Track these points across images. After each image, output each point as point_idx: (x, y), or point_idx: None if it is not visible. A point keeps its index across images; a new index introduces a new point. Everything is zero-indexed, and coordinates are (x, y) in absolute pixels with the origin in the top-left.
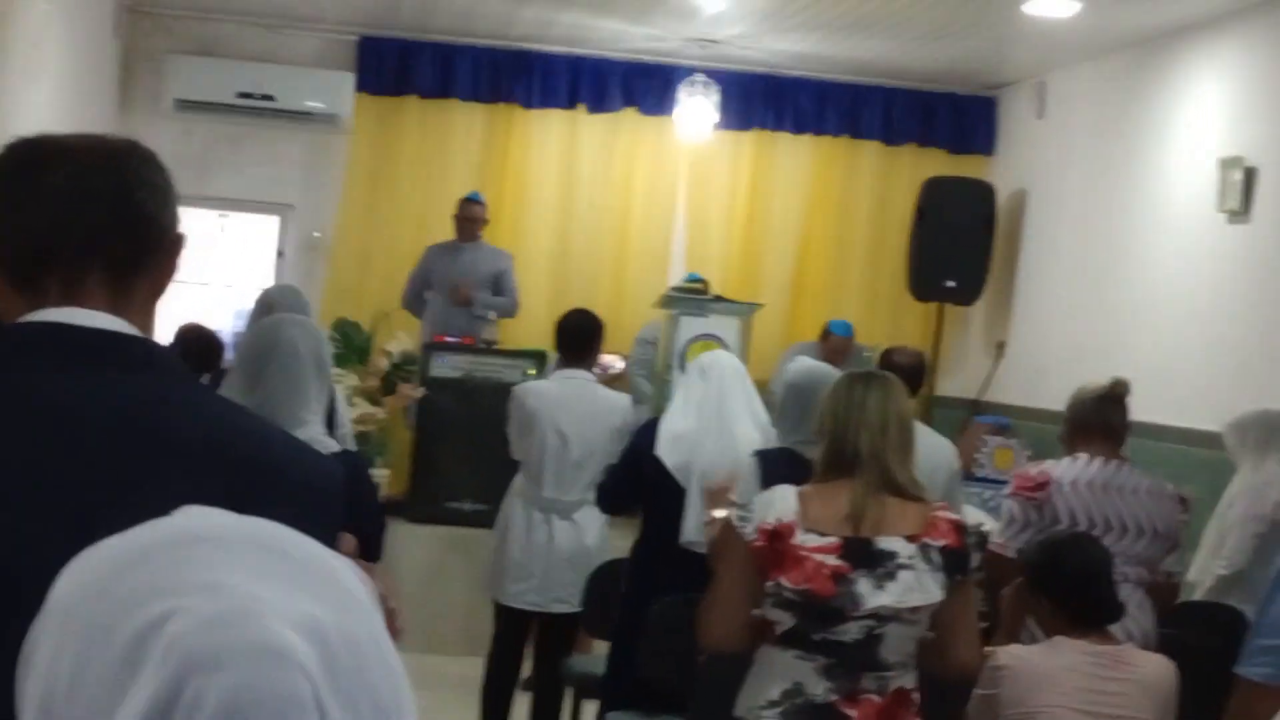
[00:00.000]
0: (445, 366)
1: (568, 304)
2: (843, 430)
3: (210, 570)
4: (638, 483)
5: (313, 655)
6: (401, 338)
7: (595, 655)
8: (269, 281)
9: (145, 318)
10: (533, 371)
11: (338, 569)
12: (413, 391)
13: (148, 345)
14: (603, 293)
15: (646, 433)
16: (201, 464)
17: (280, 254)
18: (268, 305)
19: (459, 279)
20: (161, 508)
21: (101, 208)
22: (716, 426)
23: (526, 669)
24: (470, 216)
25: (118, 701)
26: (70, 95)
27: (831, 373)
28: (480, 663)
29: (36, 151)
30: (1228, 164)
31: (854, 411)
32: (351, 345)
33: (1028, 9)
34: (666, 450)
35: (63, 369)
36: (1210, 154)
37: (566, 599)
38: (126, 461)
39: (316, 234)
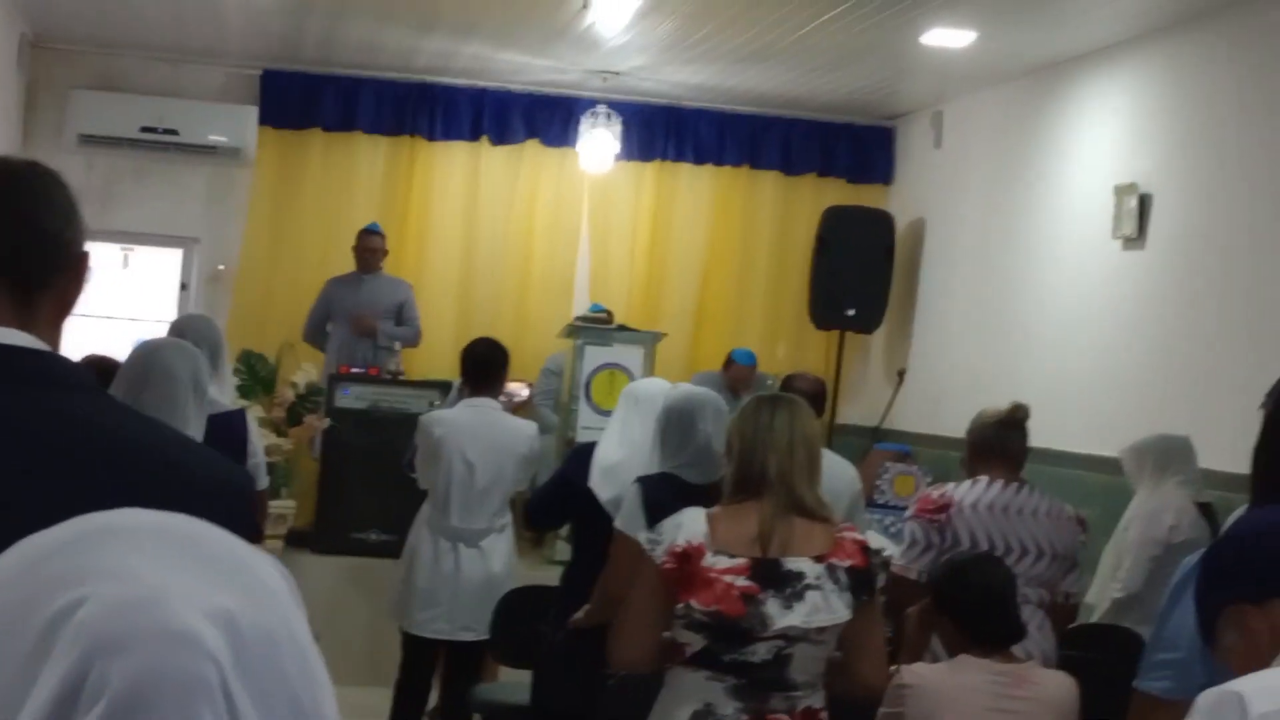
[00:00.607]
0: (350, 397)
1: (472, 334)
2: (750, 452)
3: (122, 559)
4: (565, 506)
5: (223, 643)
6: (307, 369)
7: (502, 683)
8: (173, 314)
9: (53, 334)
10: (438, 402)
11: (257, 565)
12: (318, 422)
13: (55, 359)
14: (507, 322)
15: (580, 459)
16: (109, 474)
17: (184, 287)
18: (179, 335)
19: (361, 310)
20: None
21: (3, 227)
22: (648, 456)
23: (433, 698)
24: (369, 247)
25: (31, 689)
26: None
27: (709, 396)
28: (387, 692)
29: None
30: (1122, 191)
31: (762, 434)
32: (257, 376)
33: (924, 39)
34: (599, 484)
35: None
36: (1105, 181)
37: (474, 627)
38: (28, 473)
39: (221, 266)
